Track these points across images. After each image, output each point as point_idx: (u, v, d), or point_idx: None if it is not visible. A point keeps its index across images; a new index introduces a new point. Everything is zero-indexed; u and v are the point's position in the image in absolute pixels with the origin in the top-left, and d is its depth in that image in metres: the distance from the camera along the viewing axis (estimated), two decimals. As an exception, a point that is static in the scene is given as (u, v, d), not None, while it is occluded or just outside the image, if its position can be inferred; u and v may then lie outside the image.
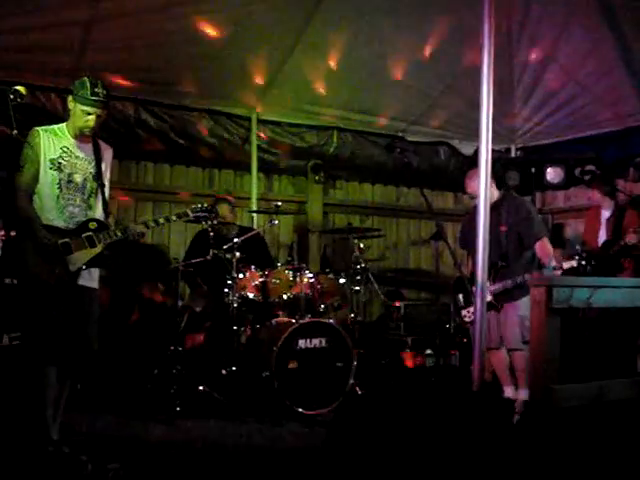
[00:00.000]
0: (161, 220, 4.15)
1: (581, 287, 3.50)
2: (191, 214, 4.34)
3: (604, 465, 3.26)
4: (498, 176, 4.57)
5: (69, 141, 3.92)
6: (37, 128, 3.82)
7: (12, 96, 3.33)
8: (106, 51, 5.35)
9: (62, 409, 3.91)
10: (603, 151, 6.96)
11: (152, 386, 5.43)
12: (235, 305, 5.44)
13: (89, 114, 3.83)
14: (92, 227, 3.91)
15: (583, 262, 4.71)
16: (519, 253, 5.01)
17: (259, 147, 6.99)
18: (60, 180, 3.86)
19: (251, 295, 5.54)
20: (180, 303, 5.71)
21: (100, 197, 4.01)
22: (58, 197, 3.87)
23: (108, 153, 4.10)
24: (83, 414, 4.80)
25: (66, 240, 3.81)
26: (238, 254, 5.46)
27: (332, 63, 5.99)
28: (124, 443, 4.30)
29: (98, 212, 4.00)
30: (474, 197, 4.96)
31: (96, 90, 3.81)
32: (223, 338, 5.60)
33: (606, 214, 6.31)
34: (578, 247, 4.99)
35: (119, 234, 3.95)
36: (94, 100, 3.81)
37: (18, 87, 3.39)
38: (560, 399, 3.22)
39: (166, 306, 6.00)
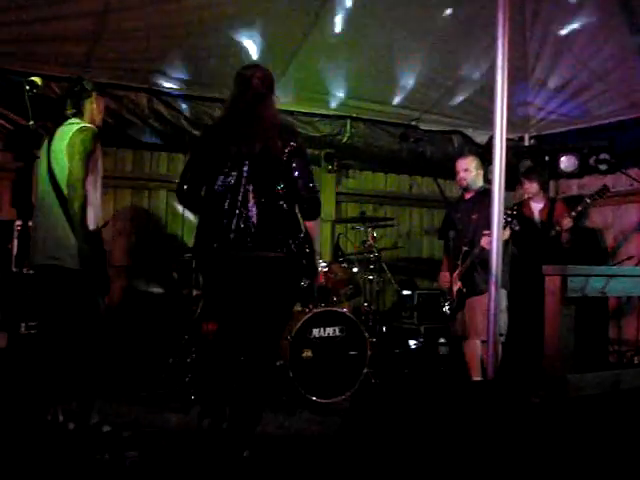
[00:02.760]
0: None
1: (596, 276, 3.50)
2: None
3: (618, 453, 3.26)
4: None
5: None
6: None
7: (28, 87, 3.34)
8: (120, 41, 5.35)
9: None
10: (617, 139, 6.91)
11: (167, 375, 5.47)
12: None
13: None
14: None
15: (509, 219, 4.90)
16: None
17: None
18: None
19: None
20: (195, 292, 5.74)
21: None
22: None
23: None
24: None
25: None
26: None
27: (344, 52, 5.96)
28: (141, 432, 4.34)
29: None
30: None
31: None
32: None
33: (538, 206, 6.52)
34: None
35: None
36: None
37: (34, 78, 3.39)
38: (575, 388, 3.23)
39: (181, 295, 6.03)
